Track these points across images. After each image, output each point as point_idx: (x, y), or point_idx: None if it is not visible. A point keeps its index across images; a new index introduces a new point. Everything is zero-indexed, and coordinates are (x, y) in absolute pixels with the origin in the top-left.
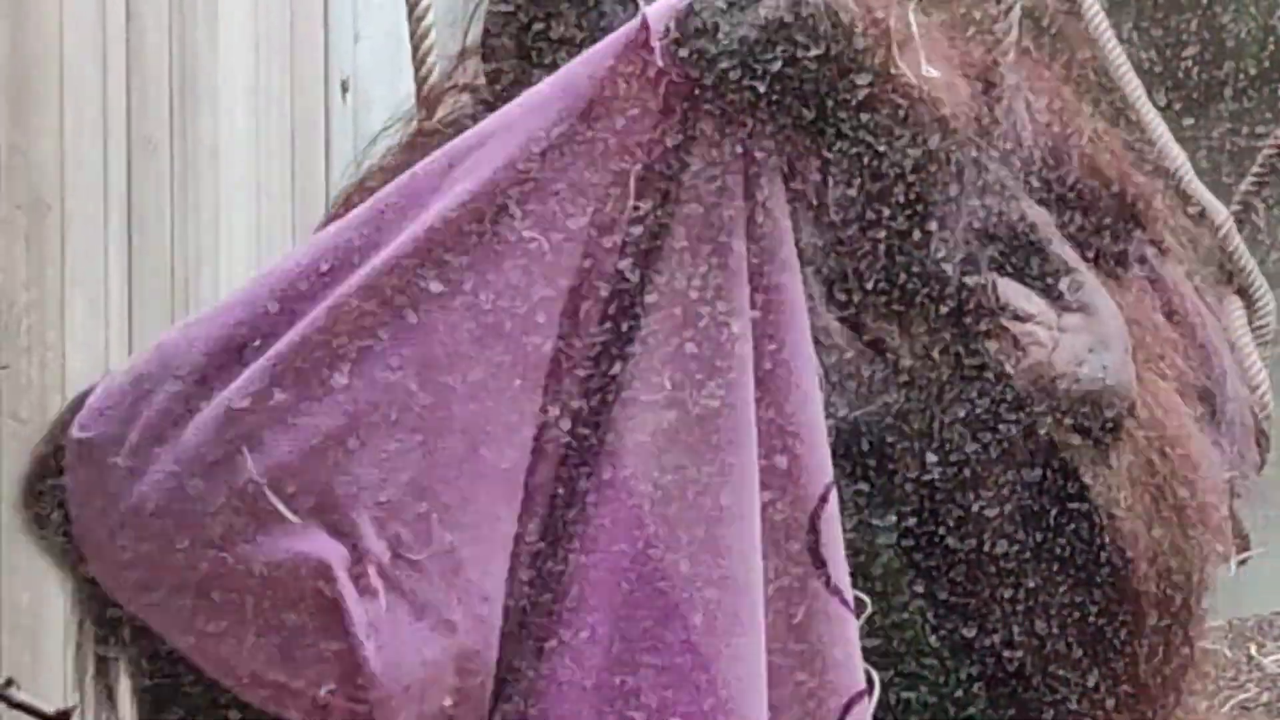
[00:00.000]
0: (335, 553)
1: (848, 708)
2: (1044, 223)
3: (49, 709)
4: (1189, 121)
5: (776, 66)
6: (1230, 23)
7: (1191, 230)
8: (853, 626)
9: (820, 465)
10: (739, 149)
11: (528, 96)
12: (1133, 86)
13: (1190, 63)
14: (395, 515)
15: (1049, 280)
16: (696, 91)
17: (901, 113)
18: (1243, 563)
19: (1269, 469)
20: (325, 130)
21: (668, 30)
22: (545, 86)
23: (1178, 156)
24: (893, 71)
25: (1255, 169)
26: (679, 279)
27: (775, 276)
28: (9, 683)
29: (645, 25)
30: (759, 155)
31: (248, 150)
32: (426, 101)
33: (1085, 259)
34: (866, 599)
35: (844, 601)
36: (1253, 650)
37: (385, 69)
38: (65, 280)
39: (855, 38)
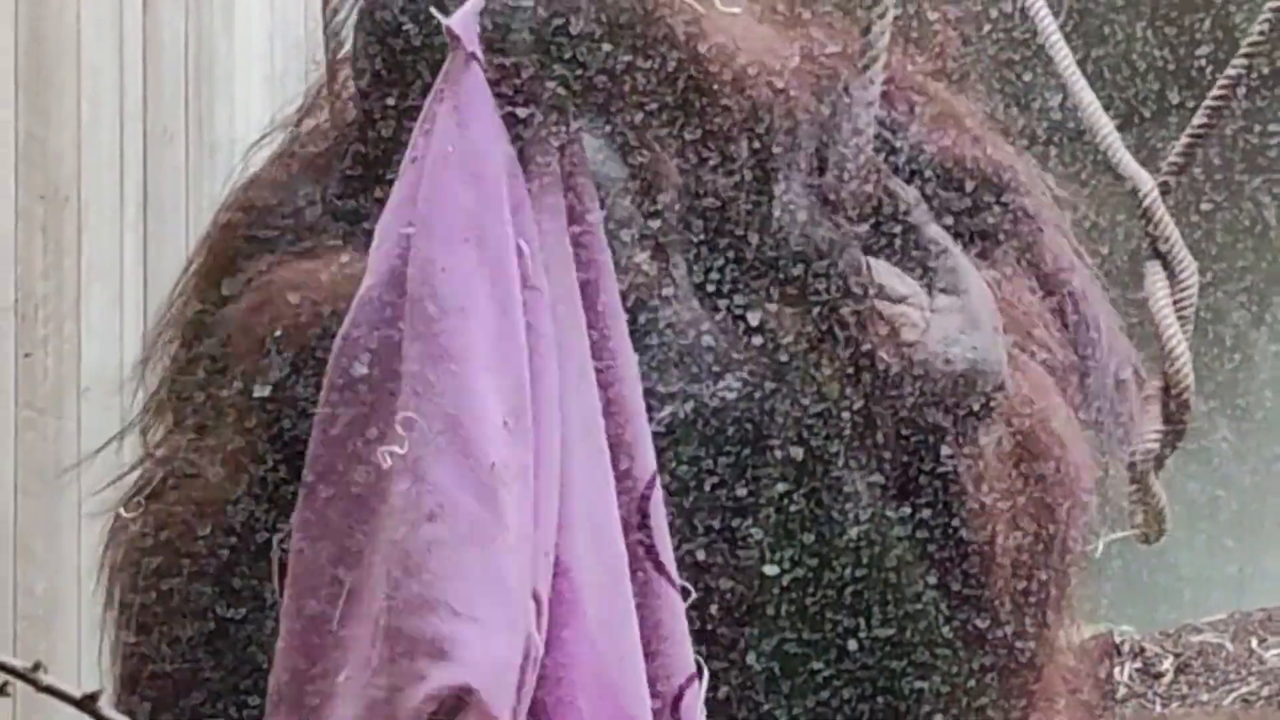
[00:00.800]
0: None
1: (681, 690)
2: (914, 202)
3: (75, 693)
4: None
5: (578, 43)
6: (1243, 22)
7: (1071, 201)
8: (683, 610)
9: (647, 455)
10: (556, 142)
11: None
12: (1061, 55)
13: (1204, 61)
14: None
15: (921, 261)
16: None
17: (714, 76)
18: (1151, 540)
19: (1277, 464)
20: None
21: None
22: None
23: (1104, 126)
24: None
25: (1182, 141)
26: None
27: (595, 270)
28: (37, 666)
29: (453, 35)
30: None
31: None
32: (305, 111)
33: (957, 237)
34: (689, 587)
35: (673, 585)
36: (1254, 644)
37: None
38: (82, 270)
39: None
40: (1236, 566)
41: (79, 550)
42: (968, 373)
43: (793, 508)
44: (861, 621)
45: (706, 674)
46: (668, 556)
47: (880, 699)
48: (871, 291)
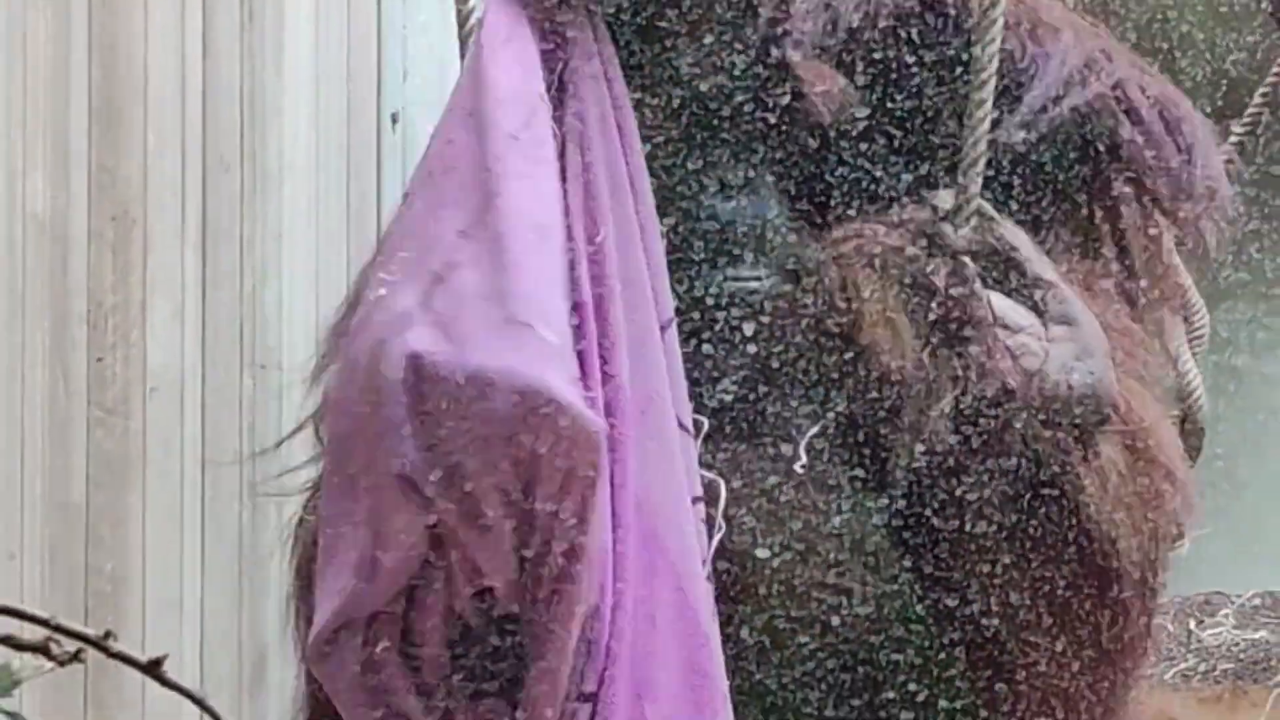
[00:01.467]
0: None
1: None
2: (1024, 243)
3: (142, 659)
4: None
5: None
6: (1188, 66)
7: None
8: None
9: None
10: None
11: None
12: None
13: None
14: None
15: (1032, 295)
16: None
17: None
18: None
19: (1217, 461)
20: (377, 158)
21: None
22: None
23: None
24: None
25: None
26: None
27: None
28: (107, 635)
29: None
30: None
31: (309, 173)
32: None
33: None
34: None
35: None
36: (1192, 625)
37: (431, 105)
38: (147, 285)
39: None
40: (1185, 552)
41: (143, 534)
42: (1085, 395)
43: (910, 512)
44: (996, 619)
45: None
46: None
47: (1007, 693)
48: (994, 322)
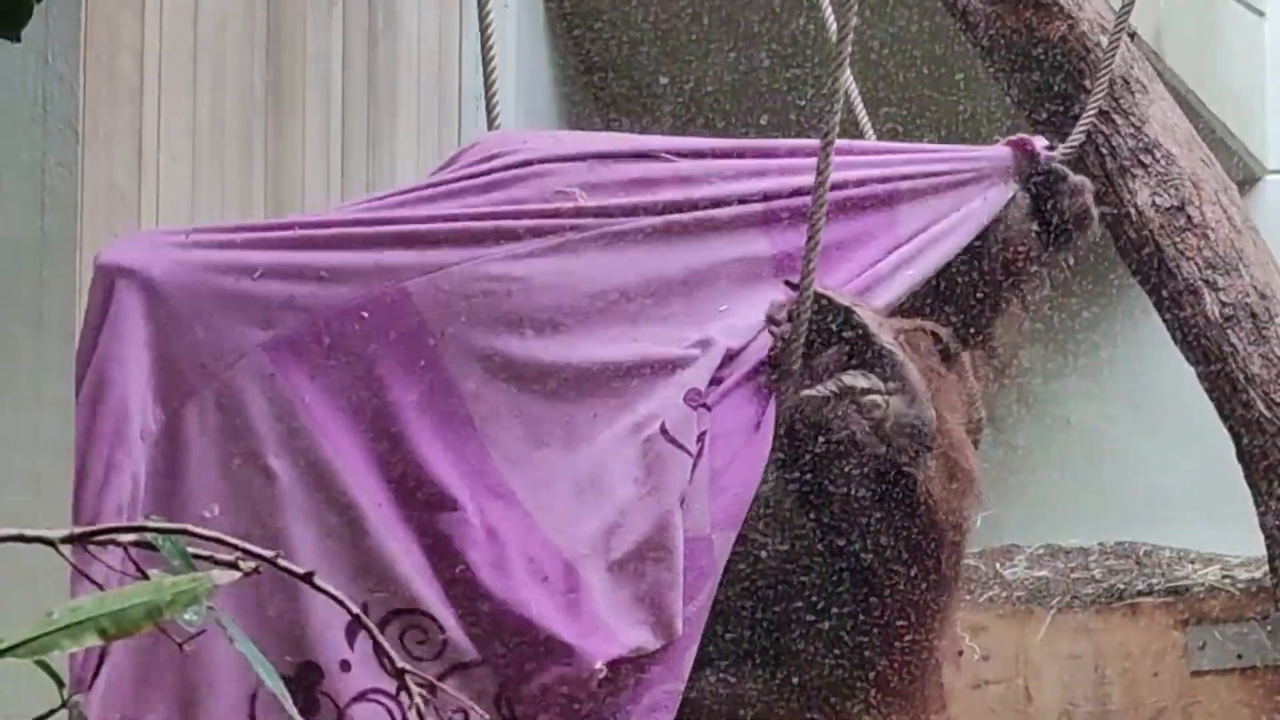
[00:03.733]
0: None
1: None
2: (871, 320)
3: (300, 571)
4: None
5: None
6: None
7: None
8: None
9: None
10: None
11: None
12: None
13: None
14: None
15: (877, 364)
16: None
17: None
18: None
19: (1017, 451)
20: None
21: None
22: None
23: None
24: None
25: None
26: None
27: None
28: (277, 555)
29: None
30: None
31: None
32: None
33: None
34: None
35: None
36: (998, 566)
37: None
38: None
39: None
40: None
41: None
42: (914, 430)
43: (821, 490)
44: (870, 555)
45: None
46: None
47: (878, 603)
48: (848, 392)
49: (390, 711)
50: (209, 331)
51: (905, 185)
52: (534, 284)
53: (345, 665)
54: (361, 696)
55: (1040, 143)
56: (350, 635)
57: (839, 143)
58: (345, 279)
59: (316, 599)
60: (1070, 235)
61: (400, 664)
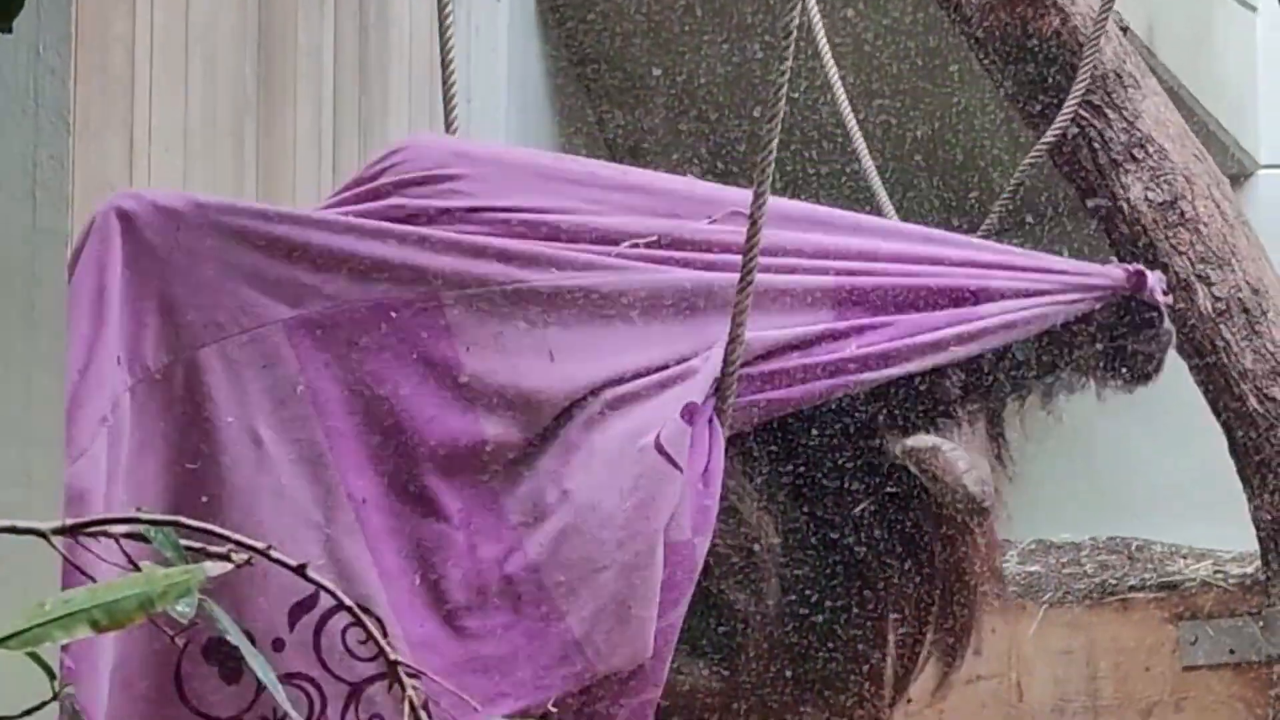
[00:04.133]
0: None
1: None
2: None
3: (293, 564)
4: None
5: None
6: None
7: None
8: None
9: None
10: None
11: None
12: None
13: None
14: None
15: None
16: None
17: None
18: None
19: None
20: None
21: None
22: None
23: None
24: None
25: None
26: None
27: None
28: (269, 547)
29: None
30: None
31: None
32: None
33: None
34: None
35: None
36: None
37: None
38: None
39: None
40: None
41: None
42: (983, 490)
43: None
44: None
45: None
46: None
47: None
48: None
49: (310, 698)
50: (230, 295)
51: (1015, 309)
52: (566, 313)
53: (279, 644)
54: (287, 679)
55: (1156, 277)
56: (293, 617)
57: (970, 250)
58: (380, 277)
59: (278, 576)
60: (1131, 372)
61: (393, 657)
